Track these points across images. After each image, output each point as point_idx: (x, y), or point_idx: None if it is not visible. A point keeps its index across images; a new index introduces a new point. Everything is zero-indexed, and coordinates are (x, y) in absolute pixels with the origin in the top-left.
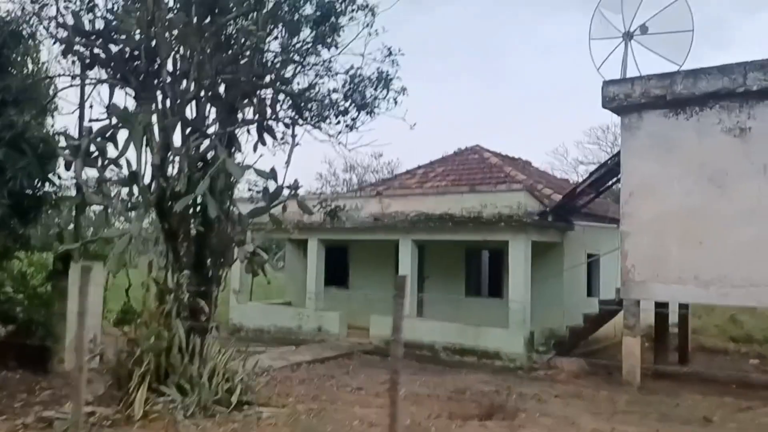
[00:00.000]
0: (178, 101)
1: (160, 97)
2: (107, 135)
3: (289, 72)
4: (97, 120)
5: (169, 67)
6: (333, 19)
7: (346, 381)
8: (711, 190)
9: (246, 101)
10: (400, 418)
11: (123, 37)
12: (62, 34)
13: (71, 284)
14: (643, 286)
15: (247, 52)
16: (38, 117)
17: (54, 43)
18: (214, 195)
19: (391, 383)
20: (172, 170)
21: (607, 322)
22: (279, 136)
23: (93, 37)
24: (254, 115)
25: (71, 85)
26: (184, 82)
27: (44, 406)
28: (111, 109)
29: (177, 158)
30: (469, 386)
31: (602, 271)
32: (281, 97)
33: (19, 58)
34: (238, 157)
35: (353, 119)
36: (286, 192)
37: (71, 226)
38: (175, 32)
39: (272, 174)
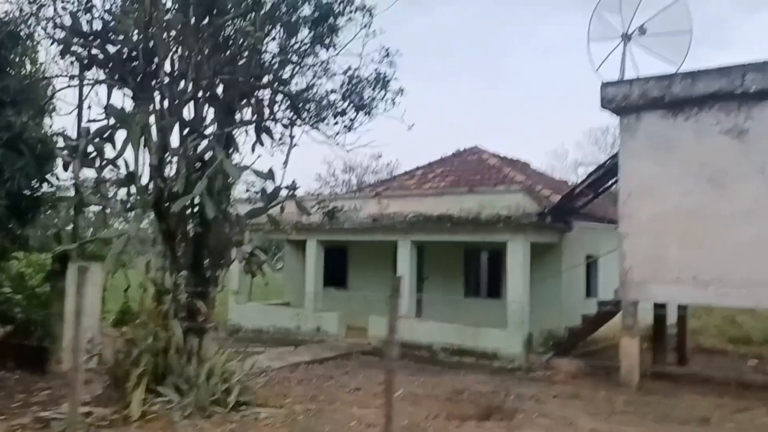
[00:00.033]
0: (176, 102)
1: (157, 98)
2: (105, 135)
3: (287, 73)
4: (95, 120)
5: (167, 67)
6: (331, 19)
7: (345, 381)
8: (709, 191)
9: (244, 102)
10: (397, 418)
11: (121, 37)
12: (60, 34)
13: (69, 285)
14: (641, 287)
15: (245, 53)
16: (36, 117)
17: (52, 43)
18: (211, 196)
19: (386, 384)
20: (170, 171)
21: (605, 323)
22: (277, 136)
23: (91, 37)
24: (252, 115)
25: (69, 86)
26: (182, 82)
27: (42, 407)
28: (108, 109)
29: (175, 159)
30: (467, 387)
31: (601, 272)
32: (279, 97)
33: (17, 59)
34: (236, 158)
35: (351, 120)
36: (284, 193)
37: (69, 226)
38: (173, 33)
39: (270, 175)
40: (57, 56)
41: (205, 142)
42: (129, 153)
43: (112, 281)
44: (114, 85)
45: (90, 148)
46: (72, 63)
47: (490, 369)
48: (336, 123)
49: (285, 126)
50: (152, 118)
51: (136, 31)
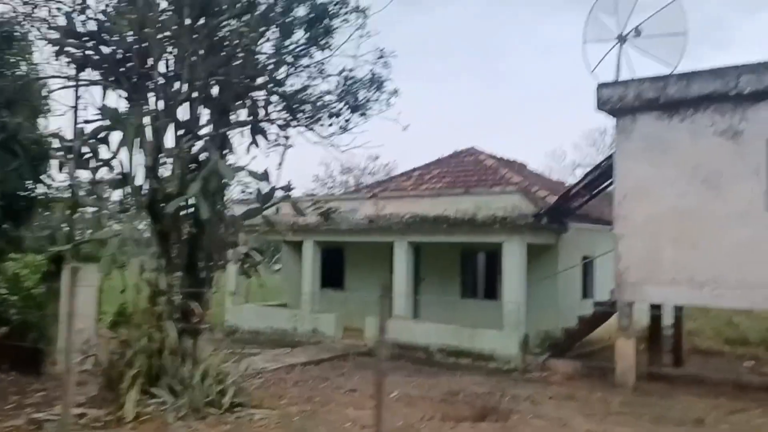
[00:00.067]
0: (171, 103)
1: (152, 99)
2: (100, 137)
3: (282, 74)
4: (90, 121)
5: (162, 68)
6: (326, 21)
7: (340, 383)
8: (704, 192)
9: (239, 103)
10: (392, 419)
11: (115, 38)
12: (54, 35)
13: (64, 286)
14: (637, 288)
15: (240, 54)
16: (31, 118)
17: (46, 44)
18: (206, 197)
19: (377, 385)
20: (165, 172)
21: (601, 324)
22: (272, 137)
23: (85, 38)
24: (247, 116)
25: (64, 87)
26: (177, 83)
27: (36, 408)
28: (103, 110)
29: (169, 160)
30: (463, 388)
31: (597, 273)
32: (274, 98)
33: (11, 60)
34: (231, 159)
35: (346, 121)
36: (279, 194)
37: (64, 227)
38: (168, 34)
39: (265, 176)
40: (52, 57)
41: (199, 143)
42: (123, 154)
43: (109, 282)
44: (108, 86)
45: (85, 149)
46: (68, 63)
47: (487, 370)
48: (331, 124)
49: (280, 127)
50: (147, 119)
51: (130, 32)
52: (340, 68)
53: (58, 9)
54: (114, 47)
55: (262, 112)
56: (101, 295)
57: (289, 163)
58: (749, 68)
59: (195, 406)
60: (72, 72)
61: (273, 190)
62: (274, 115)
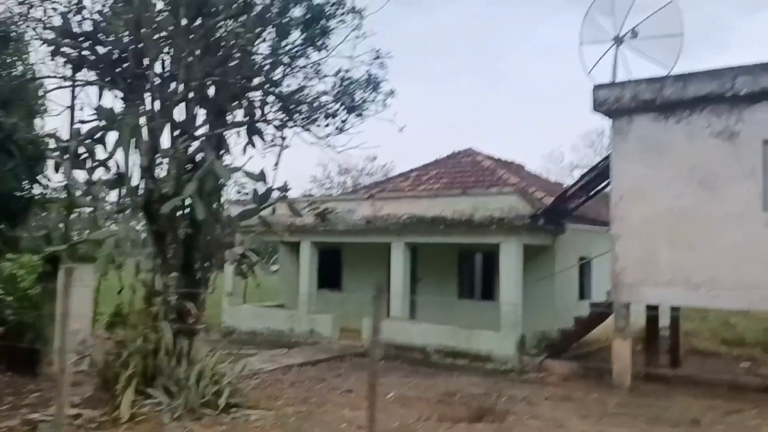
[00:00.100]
0: (167, 103)
1: (148, 99)
2: (96, 137)
3: (278, 74)
4: (86, 122)
5: (158, 69)
6: (322, 21)
7: (337, 383)
8: (701, 193)
9: (235, 103)
10: (388, 420)
11: (111, 38)
12: (50, 35)
13: (59, 286)
14: (633, 289)
15: (236, 55)
16: (27, 119)
17: (41, 44)
18: (202, 197)
19: (370, 385)
20: (161, 172)
21: (597, 325)
22: (268, 138)
23: (81, 38)
24: (243, 117)
25: (59, 87)
26: (173, 84)
27: (31, 409)
28: (99, 111)
29: (165, 160)
30: (459, 389)
31: (594, 274)
32: (270, 99)
33: (7, 60)
34: (227, 160)
35: (342, 122)
36: (275, 194)
37: (60, 227)
38: (164, 34)
39: (261, 176)
40: (47, 57)
41: (195, 144)
42: (119, 154)
43: (107, 283)
44: (105, 86)
45: (81, 150)
46: (65, 64)
47: (484, 371)
48: (327, 125)
49: (276, 127)
50: (143, 120)
51: (126, 33)
52: (337, 69)
53: (54, 9)
54: (110, 47)
55: (258, 113)
56: (98, 296)
57: (285, 164)
58: (745, 69)
59: (190, 406)
60: (68, 72)
61: (269, 190)
62: (270, 116)
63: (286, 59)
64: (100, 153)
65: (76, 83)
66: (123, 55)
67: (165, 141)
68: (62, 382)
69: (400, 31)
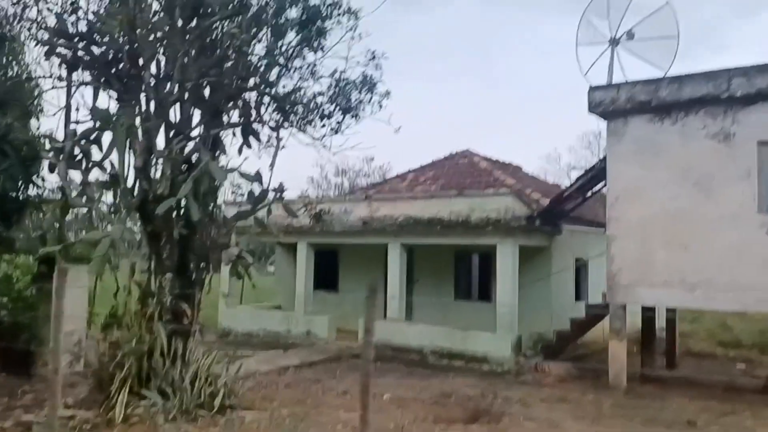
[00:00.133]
0: (162, 104)
1: (143, 100)
2: (91, 138)
3: (274, 75)
4: (81, 122)
5: (153, 69)
6: (318, 22)
7: (333, 385)
8: (696, 195)
9: (231, 104)
10: (383, 421)
11: (106, 39)
12: (45, 36)
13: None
14: (629, 290)
15: (232, 55)
16: (22, 119)
17: (36, 45)
18: (197, 198)
19: (362, 386)
20: (156, 173)
21: (593, 326)
22: (264, 139)
23: (76, 39)
24: (239, 117)
25: (55, 87)
26: (168, 84)
27: (25, 410)
28: (94, 111)
29: (160, 161)
30: (455, 390)
31: (590, 275)
32: (266, 100)
33: (2, 60)
34: (223, 160)
35: (338, 122)
36: (271, 195)
37: (56, 228)
38: (159, 35)
39: (257, 177)
40: (42, 58)
41: (191, 144)
42: (115, 155)
43: (102, 284)
44: (100, 86)
45: (76, 150)
46: (60, 64)
47: (480, 372)
48: (323, 125)
49: (272, 128)
50: (138, 120)
51: (121, 33)
52: (333, 70)
53: (49, 9)
54: (105, 48)
55: (254, 114)
56: (94, 297)
57: (281, 165)
58: (741, 71)
59: (185, 408)
60: (63, 73)
61: (265, 191)
62: (266, 117)
63: (281, 60)
64: (96, 154)
65: (71, 84)
66: (118, 56)
67: (160, 142)
68: (55, 383)
69: (399, 31)
